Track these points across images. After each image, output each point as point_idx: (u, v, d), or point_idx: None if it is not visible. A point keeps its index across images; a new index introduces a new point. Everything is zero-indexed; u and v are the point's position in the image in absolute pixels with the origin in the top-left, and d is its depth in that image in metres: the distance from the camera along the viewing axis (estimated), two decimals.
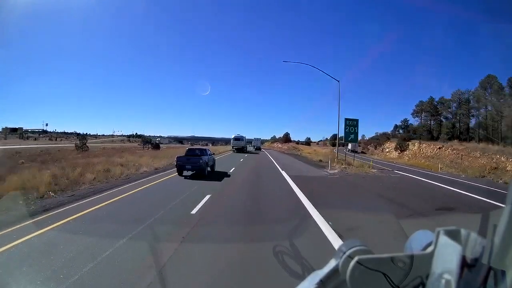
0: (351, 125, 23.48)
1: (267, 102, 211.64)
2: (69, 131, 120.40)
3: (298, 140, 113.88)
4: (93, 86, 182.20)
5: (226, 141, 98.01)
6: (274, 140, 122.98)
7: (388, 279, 0.58)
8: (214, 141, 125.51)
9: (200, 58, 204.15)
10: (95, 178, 11.80)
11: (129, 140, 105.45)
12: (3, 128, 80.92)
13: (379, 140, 64.51)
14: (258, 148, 58.75)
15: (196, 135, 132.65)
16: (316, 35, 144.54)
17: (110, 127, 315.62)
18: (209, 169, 14.68)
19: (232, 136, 48.29)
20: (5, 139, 65.29)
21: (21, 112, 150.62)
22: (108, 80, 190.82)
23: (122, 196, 8.71)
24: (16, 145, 42.25)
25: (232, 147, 46.40)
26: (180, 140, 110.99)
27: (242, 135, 48.84)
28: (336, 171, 18.94)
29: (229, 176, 14.47)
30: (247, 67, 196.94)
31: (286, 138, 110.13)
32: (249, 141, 59.99)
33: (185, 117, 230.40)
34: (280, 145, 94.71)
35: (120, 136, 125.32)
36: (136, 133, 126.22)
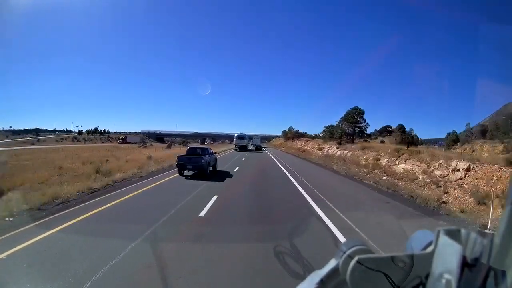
0: None
1: (275, 95, 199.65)
2: (19, 128, 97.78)
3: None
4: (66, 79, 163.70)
5: (230, 138, 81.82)
6: (293, 134, 75.23)
7: (388, 279, 0.58)
8: (215, 137, 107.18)
9: (200, 55, 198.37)
10: None
11: (76, 138, 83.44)
12: None
13: None
14: (259, 148, 53.62)
15: (200, 131, 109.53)
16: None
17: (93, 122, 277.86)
18: (210, 168, 14.69)
19: (235, 135, 48.86)
20: None
21: None
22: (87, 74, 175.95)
23: None
24: None
25: (235, 145, 46.64)
26: (160, 137, 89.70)
27: (245, 133, 49.50)
28: None
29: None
30: (249, 63, 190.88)
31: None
32: (251, 138, 59.72)
33: (188, 113, 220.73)
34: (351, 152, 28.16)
35: (67, 132, 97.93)
36: (97, 128, 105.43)
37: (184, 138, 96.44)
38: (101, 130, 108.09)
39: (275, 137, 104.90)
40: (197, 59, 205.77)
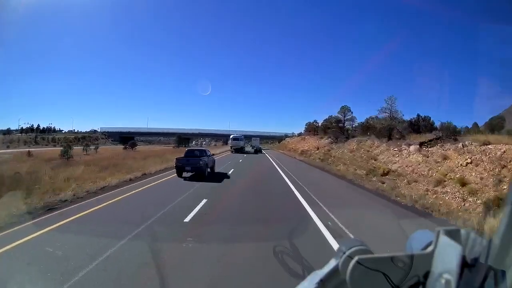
0: None
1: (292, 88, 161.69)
2: None
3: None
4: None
5: (224, 138, 72.04)
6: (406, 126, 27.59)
7: (388, 279, 0.58)
8: (206, 136, 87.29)
9: (188, 41, 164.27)
10: None
11: None
12: None
13: None
14: (258, 150, 48.77)
15: (188, 129, 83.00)
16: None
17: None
18: (209, 170, 14.74)
19: (231, 136, 48.55)
20: None
21: None
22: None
23: None
24: None
25: (231, 147, 46.25)
26: (128, 137, 65.51)
27: (241, 135, 49.07)
28: None
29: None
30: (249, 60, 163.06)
31: None
32: (249, 139, 59.11)
33: (189, 111, 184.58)
34: None
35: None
36: (37, 126, 74.63)
37: (174, 137, 71.73)
38: (42, 128, 76.67)
39: (288, 136, 76.79)
40: (185, 46, 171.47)
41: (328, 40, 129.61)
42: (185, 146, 63.14)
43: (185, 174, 13.67)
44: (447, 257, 0.56)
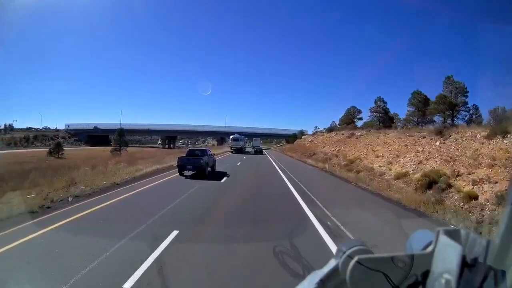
0: None
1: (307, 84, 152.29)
2: None
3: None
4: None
5: (218, 136, 67.77)
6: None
7: (388, 279, 0.58)
8: (199, 134, 74.98)
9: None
10: None
11: None
12: None
13: None
14: (259, 151, 46.83)
15: (195, 125, 69.59)
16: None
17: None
18: (209, 169, 14.87)
19: (231, 137, 48.60)
20: None
21: None
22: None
23: None
24: None
25: (230, 147, 46.23)
26: (101, 136, 55.29)
27: (241, 136, 49.04)
28: None
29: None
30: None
31: None
32: (249, 138, 58.56)
33: (186, 110, 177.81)
34: None
35: None
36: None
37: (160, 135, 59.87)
38: None
39: (304, 133, 60.63)
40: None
41: (328, 39, 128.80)
42: (171, 147, 53.11)
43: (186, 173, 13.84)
44: (447, 257, 0.56)
